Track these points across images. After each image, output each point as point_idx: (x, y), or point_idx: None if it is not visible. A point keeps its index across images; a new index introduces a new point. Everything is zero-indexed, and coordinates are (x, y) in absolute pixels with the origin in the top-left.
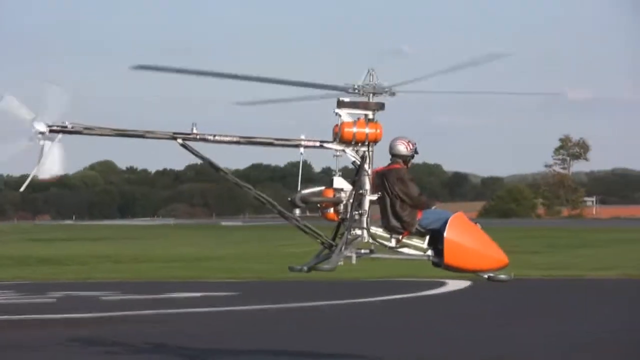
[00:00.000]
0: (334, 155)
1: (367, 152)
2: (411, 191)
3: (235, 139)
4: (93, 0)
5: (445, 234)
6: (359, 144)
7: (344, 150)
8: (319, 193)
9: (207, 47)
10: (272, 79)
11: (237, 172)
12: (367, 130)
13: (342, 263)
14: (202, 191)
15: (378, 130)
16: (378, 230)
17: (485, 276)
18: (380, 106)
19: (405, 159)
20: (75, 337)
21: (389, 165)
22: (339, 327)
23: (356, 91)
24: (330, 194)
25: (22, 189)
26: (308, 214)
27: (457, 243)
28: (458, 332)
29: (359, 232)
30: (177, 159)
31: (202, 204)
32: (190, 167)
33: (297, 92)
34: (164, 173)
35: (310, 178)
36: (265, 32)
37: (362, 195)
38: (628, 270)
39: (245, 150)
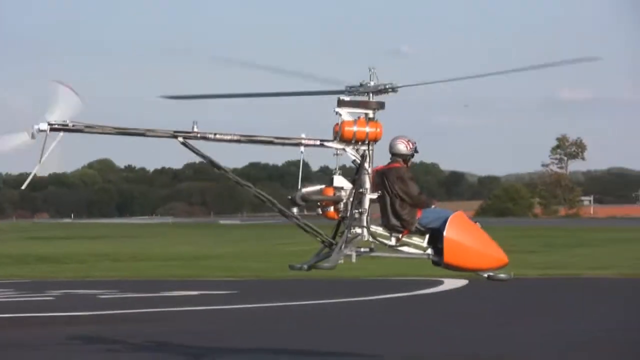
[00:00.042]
0: (334, 154)
1: (367, 151)
2: (411, 190)
3: (235, 138)
4: (93, 0)
5: (444, 233)
6: (359, 143)
7: (344, 149)
8: (319, 191)
9: (207, 47)
10: (283, 92)
11: (235, 171)
12: (367, 129)
13: (342, 261)
14: (201, 190)
15: (378, 129)
16: (378, 229)
17: (485, 275)
18: (381, 105)
19: (405, 158)
20: (74, 335)
21: (389, 164)
22: (339, 325)
23: (356, 91)
24: (330, 192)
25: (23, 187)
26: (305, 212)
27: (457, 242)
28: (456, 331)
29: (359, 230)
30: (175, 158)
31: (201, 203)
32: (188, 166)
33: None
34: (162, 172)
35: (308, 177)
36: (265, 32)
37: (362, 194)
38: (624, 269)
39: (243, 149)
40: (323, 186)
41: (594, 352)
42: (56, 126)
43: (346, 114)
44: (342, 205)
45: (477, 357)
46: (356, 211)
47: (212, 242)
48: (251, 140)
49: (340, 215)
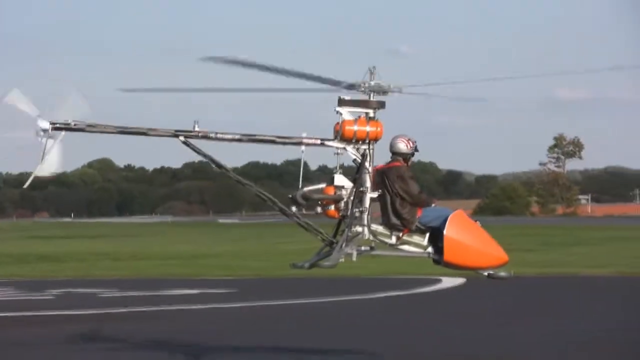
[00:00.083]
0: (335, 153)
1: (367, 150)
2: (411, 189)
3: (237, 137)
4: (93, 0)
5: (445, 232)
6: (360, 142)
7: (344, 148)
8: (320, 190)
9: (207, 47)
10: (279, 68)
11: (234, 170)
12: (367, 128)
13: (343, 260)
14: (200, 189)
15: (379, 129)
16: (378, 228)
17: (485, 273)
18: (381, 104)
19: (406, 156)
20: (75, 334)
21: (390, 163)
22: (338, 324)
23: (355, 88)
24: (331, 191)
25: (25, 186)
26: (304, 211)
27: (457, 240)
28: (454, 330)
29: (359, 229)
30: (174, 157)
31: (200, 202)
32: (187, 165)
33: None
34: (161, 171)
35: (307, 176)
36: (265, 32)
37: (363, 193)
38: (622, 268)
39: (242, 149)
40: (324, 185)
41: (593, 352)
42: (58, 125)
43: (347, 113)
44: (342, 204)
45: (476, 357)
46: (357, 210)
47: (211, 241)
48: (252, 139)
49: (341, 214)
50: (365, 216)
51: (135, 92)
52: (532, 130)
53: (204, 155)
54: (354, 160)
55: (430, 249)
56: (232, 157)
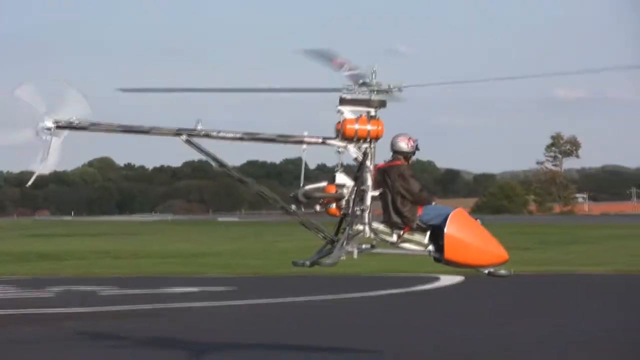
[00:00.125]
0: (336, 152)
1: (368, 149)
2: (412, 187)
3: (238, 136)
4: (93, 0)
5: (445, 230)
6: (361, 141)
7: (346, 147)
8: (322, 189)
9: (207, 47)
10: (281, 88)
11: (233, 169)
12: (368, 127)
13: (344, 258)
14: (199, 188)
15: (379, 127)
16: (380, 226)
17: (486, 271)
18: (382, 103)
19: (407, 155)
20: (74, 332)
21: (391, 161)
22: (337, 321)
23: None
24: (332, 189)
25: (29, 184)
26: (302, 210)
27: (458, 238)
28: (452, 327)
29: (360, 227)
30: (174, 156)
31: (199, 200)
32: (187, 164)
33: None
34: (161, 170)
35: (306, 175)
36: (265, 32)
37: (364, 191)
38: (619, 266)
39: (241, 147)
40: (325, 183)
41: (592, 350)
42: (62, 124)
43: (348, 112)
44: (344, 202)
45: (475, 355)
46: (358, 208)
47: (211, 239)
48: (254, 138)
49: (342, 213)
50: (366, 214)
51: (134, 92)
52: (529, 130)
53: (207, 154)
54: (355, 159)
55: (431, 247)
56: (231, 155)
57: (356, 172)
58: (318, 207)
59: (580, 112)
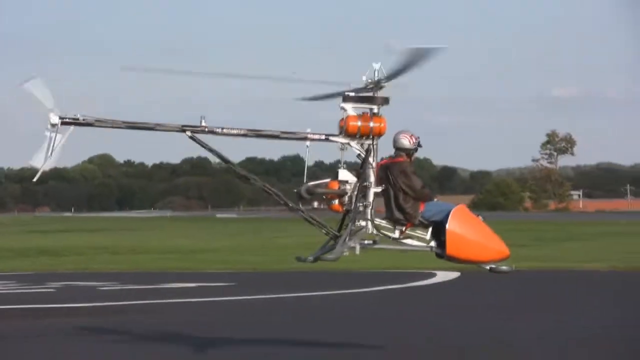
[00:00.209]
0: (339, 149)
1: (371, 146)
2: (414, 184)
3: (242, 132)
4: (93, 0)
5: (447, 226)
6: (364, 138)
7: (349, 144)
8: (325, 185)
9: (207, 47)
10: (284, 77)
11: (228, 166)
12: (371, 124)
13: (347, 253)
14: (198, 184)
15: (382, 124)
16: (382, 222)
17: (487, 267)
18: (385, 100)
19: (409, 152)
20: (74, 327)
21: (393, 158)
22: (334, 317)
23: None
24: (335, 186)
25: (35, 180)
26: (301, 206)
27: (459, 234)
28: (449, 324)
29: (363, 223)
30: (173, 153)
31: (198, 197)
32: (186, 161)
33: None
34: (160, 166)
35: (304, 171)
36: (265, 32)
37: (367, 188)
38: (614, 262)
39: (240, 144)
40: (328, 180)
41: (588, 344)
42: (67, 120)
43: (351, 109)
44: (346, 198)
45: (469, 349)
46: (360, 204)
47: (210, 235)
48: (258, 134)
49: (345, 209)
50: (369, 210)
51: (134, 71)
52: (525, 127)
53: (210, 150)
54: (358, 156)
55: (433, 243)
56: (230, 152)
57: (359, 168)
58: (316, 204)
59: (576, 111)
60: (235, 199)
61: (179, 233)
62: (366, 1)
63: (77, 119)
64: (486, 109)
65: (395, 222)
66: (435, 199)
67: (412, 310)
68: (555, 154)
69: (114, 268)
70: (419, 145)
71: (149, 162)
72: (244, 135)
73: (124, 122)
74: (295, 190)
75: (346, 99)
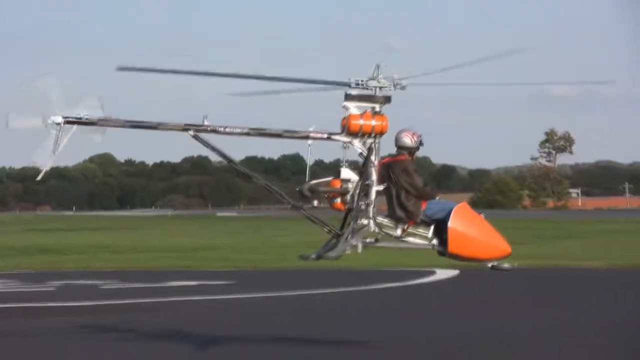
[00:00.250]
0: (342, 147)
1: (373, 144)
2: (416, 182)
3: (245, 131)
4: (93, 0)
5: (449, 224)
6: (366, 136)
7: (351, 142)
8: (327, 183)
9: (207, 47)
10: (281, 77)
11: (230, 165)
12: (373, 122)
13: (349, 252)
14: (198, 183)
15: (384, 123)
16: (384, 220)
17: (489, 265)
18: (387, 99)
19: (411, 150)
20: (75, 325)
21: (395, 156)
22: (334, 315)
23: (360, 85)
24: (337, 184)
25: (39, 178)
26: (299, 204)
27: (461, 232)
28: (448, 321)
29: (365, 221)
30: (174, 152)
31: (198, 196)
32: (186, 160)
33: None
34: (161, 165)
35: (304, 170)
36: (265, 32)
37: (369, 186)
38: (613, 260)
39: (240, 143)
40: (331, 178)
41: (586, 341)
42: (71, 119)
43: (353, 107)
44: (349, 197)
45: (469, 347)
46: (362, 203)
47: (210, 233)
48: (260, 133)
49: (347, 207)
50: (371, 209)
51: (132, 71)
52: (524, 126)
53: (213, 149)
54: (360, 154)
55: (434, 241)
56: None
57: (361, 167)
58: (315, 202)
59: (574, 109)
60: (235, 197)
61: (180, 231)
62: (366, 1)
63: (81, 118)
64: (485, 108)
65: (397, 220)
66: (437, 197)
67: (412, 309)
68: (553, 152)
69: (114, 267)
70: (420, 143)
71: (150, 161)
72: (247, 134)
73: (127, 121)
74: (298, 189)
75: (348, 97)
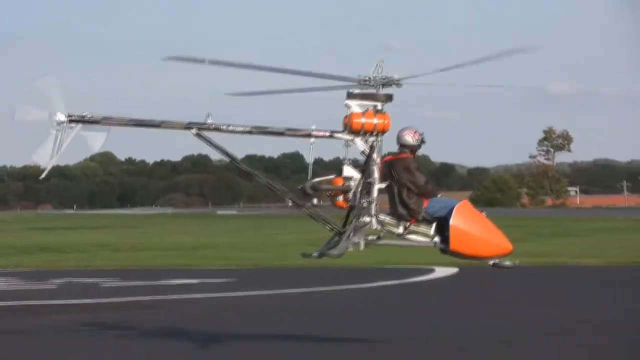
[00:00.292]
0: (343, 145)
1: (375, 142)
2: (417, 180)
3: (247, 129)
4: (93, 0)
5: (450, 222)
6: (368, 134)
7: (353, 140)
8: (329, 181)
9: (207, 47)
10: (286, 69)
11: (230, 163)
12: (375, 120)
13: (351, 249)
14: (199, 181)
15: (386, 121)
16: (386, 218)
17: (490, 263)
18: (389, 97)
19: (413, 148)
20: (76, 323)
21: (397, 154)
22: (333, 314)
23: (367, 82)
24: (339, 182)
25: (42, 177)
26: (295, 202)
27: (463, 230)
28: (447, 319)
29: (367, 219)
30: (174, 151)
31: (199, 194)
32: (186, 159)
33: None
34: (161, 164)
35: (305, 168)
36: (265, 32)
37: (371, 184)
38: (610, 258)
39: (239, 142)
40: (333, 176)
41: (586, 341)
42: (74, 118)
43: (355, 106)
44: (351, 194)
45: (467, 344)
46: (365, 200)
47: (210, 232)
48: (263, 131)
49: (349, 205)
50: (373, 206)
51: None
52: (522, 124)
53: (216, 147)
54: (362, 152)
55: (436, 239)
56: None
57: (363, 165)
58: (315, 200)
59: (573, 107)
60: (235, 195)
61: (180, 230)
62: (366, 1)
63: (84, 117)
64: (484, 107)
65: (399, 218)
66: (439, 195)
67: (412, 308)
68: (552, 150)
69: (115, 265)
70: (422, 141)
71: (150, 160)
72: (249, 132)
73: (130, 120)
74: (300, 187)
75: (351, 96)
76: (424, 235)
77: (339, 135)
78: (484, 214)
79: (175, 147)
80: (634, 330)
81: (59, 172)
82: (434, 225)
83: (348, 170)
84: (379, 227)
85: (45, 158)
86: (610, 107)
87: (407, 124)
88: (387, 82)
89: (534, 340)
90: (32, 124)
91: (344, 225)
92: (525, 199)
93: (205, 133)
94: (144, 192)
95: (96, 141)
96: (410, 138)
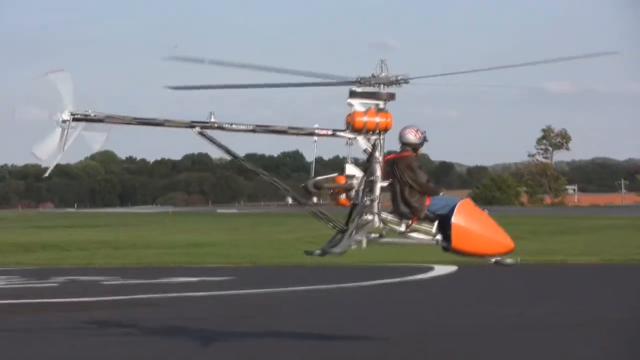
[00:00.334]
0: (346, 144)
1: (377, 140)
2: (419, 178)
3: (251, 128)
4: (93, 0)
5: (452, 220)
6: (370, 133)
7: (355, 139)
8: (332, 179)
9: (207, 47)
10: (286, 69)
11: (232, 162)
12: (377, 119)
13: (354, 247)
14: (199, 180)
15: (388, 119)
16: (388, 216)
17: (492, 260)
18: (391, 96)
19: (415, 146)
20: (77, 321)
21: (399, 153)
22: (333, 312)
23: (364, 82)
24: (342, 180)
25: (46, 175)
26: (292, 201)
27: (465, 228)
28: (449, 320)
29: (370, 217)
30: (174, 149)
31: (199, 192)
32: (187, 157)
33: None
34: (162, 162)
35: (305, 167)
36: (265, 32)
37: (373, 182)
38: (609, 255)
39: (239, 141)
40: (335, 174)
41: (585, 339)
42: (78, 116)
43: (358, 104)
44: (353, 192)
45: (470, 347)
46: (367, 199)
47: (210, 230)
48: (266, 130)
49: (351, 203)
50: (375, 204)
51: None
52: (521, 123)
53: (219, 146)
54: (365, 151)
55: (438, 237)
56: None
57: (366, 163)
58: (315, 199)
59: (571, 106)
60: (235, 194)
61: (180, 228)
62: (366, 1)
63: (88, 115)
64: (483, 104)
65: (401, 216)
66: (441, 193)
67: (411, 306)
68: (550, 149)
69: (116, 263)
70: (424, 139)
71: (151, 159)
72: (252, 130)
73: (133, 119)
74: (303, 185)
75: (353, 94)
76: (426, 233)
77: (342, 134)
78: (485, 211)
79: (176, 145)
80: (631, 326)
81: (60, 170)
82: (436, 223)
83: (350, 169)
84: (381, 225)
85: (47, 154)
86: (608, 106)
87: (407, 122)
88: (396, 82)
89: (534, 337)
90: (32, 123)
91: (347, 223)
92: (523, 198)
93: (208, 132)
94: (144, 191)
95: (96, 141)
96: (412, 136)
